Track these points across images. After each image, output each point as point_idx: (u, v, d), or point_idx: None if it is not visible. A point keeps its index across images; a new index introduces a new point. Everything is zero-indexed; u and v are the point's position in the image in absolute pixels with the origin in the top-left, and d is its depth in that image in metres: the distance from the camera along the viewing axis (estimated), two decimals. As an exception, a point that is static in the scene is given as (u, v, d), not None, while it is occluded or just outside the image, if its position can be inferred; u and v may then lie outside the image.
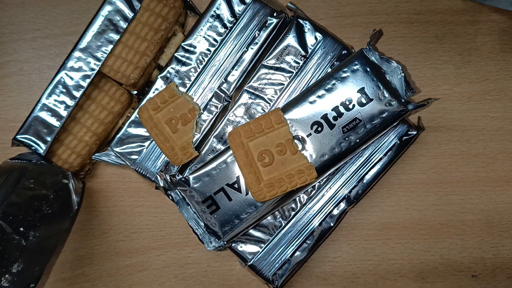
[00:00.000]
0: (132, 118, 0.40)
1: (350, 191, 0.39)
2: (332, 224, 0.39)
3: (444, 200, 0.41)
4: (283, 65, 0.39)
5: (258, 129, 0.36)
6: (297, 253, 0.39)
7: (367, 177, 0.39)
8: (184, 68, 0.40)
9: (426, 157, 0.42)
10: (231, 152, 0.37)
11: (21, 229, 0.36)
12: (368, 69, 0.36)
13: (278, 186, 0.35)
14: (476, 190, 0.41)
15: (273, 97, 0.39)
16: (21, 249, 0.36)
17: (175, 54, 0.40)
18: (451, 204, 0.41)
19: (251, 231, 0.39)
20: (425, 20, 0.42)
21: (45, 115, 0.40)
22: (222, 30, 0.39)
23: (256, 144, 0.36)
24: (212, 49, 0.40)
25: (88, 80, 0.40)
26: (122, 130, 0.40)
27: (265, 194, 0.35)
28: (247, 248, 0.39)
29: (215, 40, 0.39)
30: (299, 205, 0.39)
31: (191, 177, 0.37)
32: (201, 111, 0.39)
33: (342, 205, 0.39)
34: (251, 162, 0.36)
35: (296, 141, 0.36)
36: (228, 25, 0.39)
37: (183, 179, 0.37)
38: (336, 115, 0.36)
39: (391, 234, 0.42)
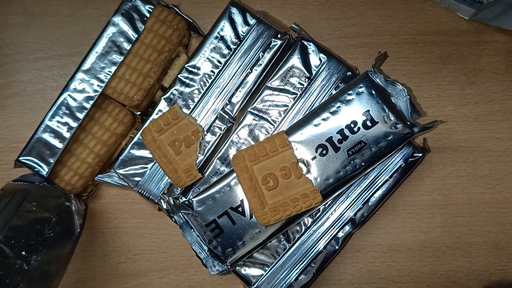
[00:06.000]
0: (135, 140, 0.40)
1: (355, 214, 0.38)
2: (337, 247, 0.38)
3: (450, 222, 0.41)
4: (287, 87, 0.38)
5: (262, 152, 0.35)
6: (302, 276, 0.38)
7: (373, 199, 0.38)
8: (187, 90, 0.40)
9: (432, 178, 0.41)
10: (235, 175, 0.36)
11: (23, 253, 0.36)
12: (373, 91, 0.36)
13: (283, 210, 0.35)
14: (482, 212, 0.41)
15: (277, 118, 0.39)
16: (23, 273, 0.35)
17: (179, 76, 0.40)
18: (457, 226, 0.41)
19: (255, 254, 0.38)
20: (429, 41, 0.42)
21: (48, 137, 0.40)
22: (226, 51, 0.39)
23: (261, 168, 0.35)
24: (216, 70, 0.39)
25: (91, 102, 0.39)
26: (125, 152, 0.40)
27: (269, 218, 0.35)
28: (251, 271, 0.39)
29: (218, 61, 0.39)
30: (303, 227, 0.38)
31: (194, 200, 0.37)
32: (205, 132, 0.39)
33: (347, 227, 0.38)
34: (256, 186, 0.35)
35: (300, 164, 0.35)
36: (232, 46, 0.39)
37: (186, 202, 0.37)
38: (341, 138, 0.36)
39: (396, 256, 0.41)
